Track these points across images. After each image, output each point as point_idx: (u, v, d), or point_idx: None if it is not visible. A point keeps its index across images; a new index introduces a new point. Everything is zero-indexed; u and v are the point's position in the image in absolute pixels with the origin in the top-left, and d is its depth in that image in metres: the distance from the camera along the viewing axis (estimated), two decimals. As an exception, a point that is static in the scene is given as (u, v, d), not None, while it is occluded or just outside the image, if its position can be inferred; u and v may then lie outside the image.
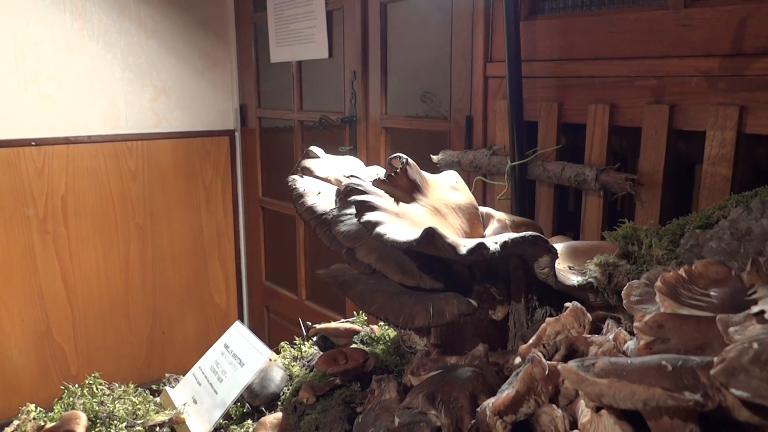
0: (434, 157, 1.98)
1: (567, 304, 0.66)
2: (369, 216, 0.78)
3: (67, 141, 3.03)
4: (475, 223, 1.01)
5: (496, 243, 0.74)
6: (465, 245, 0.74)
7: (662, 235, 0.95)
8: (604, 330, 0.65)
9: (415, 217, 0.86)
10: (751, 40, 1.32)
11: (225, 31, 3.39)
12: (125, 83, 3.15)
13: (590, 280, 0.77)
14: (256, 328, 3.62)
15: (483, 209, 1.07)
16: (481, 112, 1.91)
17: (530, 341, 0.62)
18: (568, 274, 0.80)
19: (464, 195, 1.04)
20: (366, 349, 1.17)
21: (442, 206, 0.96)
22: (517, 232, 1.10)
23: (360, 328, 1.25)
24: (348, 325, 1.24)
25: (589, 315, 0.64)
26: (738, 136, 1.33)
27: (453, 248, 0.73)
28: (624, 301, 0.62)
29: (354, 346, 1.19)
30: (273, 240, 3.43)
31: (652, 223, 0.99)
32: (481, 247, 0.72)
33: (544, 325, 0.62)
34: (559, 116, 1.68)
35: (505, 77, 1.73)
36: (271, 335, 3.54)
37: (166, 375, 1.38)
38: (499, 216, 1.07)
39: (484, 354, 0.71)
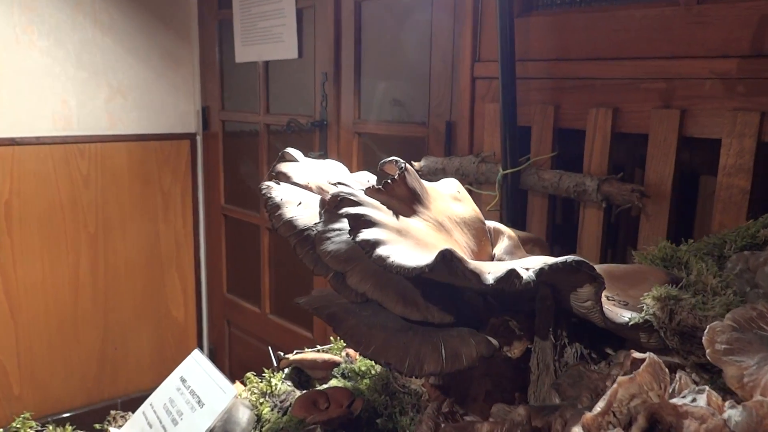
0: (415, 164, 1.83)
1: (637, 355, 0.51)
2: (367, 234, 0.62)
3: (12, 142, 2.79)
4: (483, 241, 0.86)
5: (528, 269, 0.59)
6: (490, 272, 0.58)
7: (700, 257, 0.81)
8: (677, 386, 0.51)
9: (419, 234, 0.70)
10: (772, 39, 1.20)
11: (187, 29, 3.20)
12: (78, 82, 2.93)
13: (648, 317, 0.63)
14: (216, 344, 3.43)
15: (490, 224, 0.92)
16: (467, 116, 1.77)
17: (598, 408, 0.46)
18: (615, 308, 0.65)
19: (468, 207, 0.89)
20: (349, 385, 1.00)
21: (446, 220, 0.81)
22: (523, 249, 0.96)
23: (341, 359, 1.08)
24: (327, 356, 1.07)
25: (667, 371, 0.49)
26: (758, 144, 1.21)
27: (477, 276, 0.57)
28: (708, 351, 0.48)
29: (334, 382, 1.02)
30: (235, 250, 3.25)
31: (692, 243, 0.85)
32: (513, 275, 0.57)
33: (614, 386, 0.47)
34: (555, 121, 1.54)
35: (494, 78, 1.59)
36: (233, 351, 3.35)
37: (112, 413, 1.19)
38: (510, 232, 0.92)
39: (527, 419, 0.55)
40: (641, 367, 0.48)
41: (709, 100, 1.29)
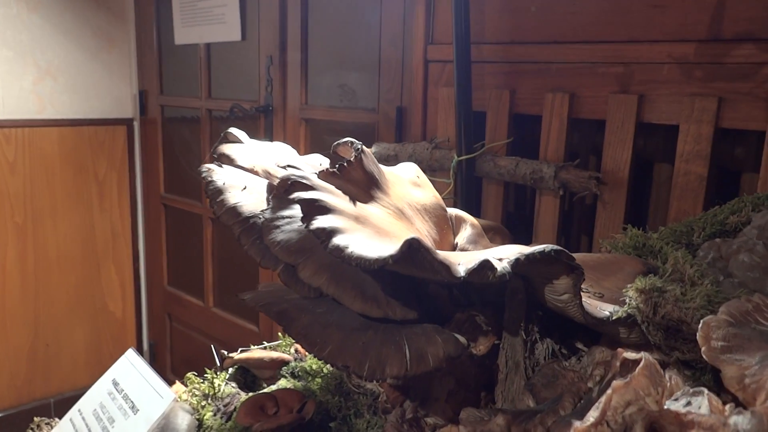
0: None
1: (629, 355, 0.46)
2: (322, 221, 0.55)
3: (-72, 126, 2.59)
4: (445, 229, 0.80)
5: (502, 260, 0.53)
6: (461, 264, 0.52)
7: (671, 245, 0.78)
8: (667, 387, 0.46)
9: (379, 222, 0.63)
10: (730, 24, 1.18)
11: (121, 6, 3.03)
12: (2, 62, 2.74)
13: (631, 311, 0.58)
14: (157, 339, 3.29)
15: (452, 211, 0.86)
16: (420, 101, 1.71)
17: (591, 419, 0.41)
18: (593, 301, 0.60)
19: (429, 193, 0.83)
20: (299, 385, 0.93)
21: (406, 207, 0.74)
22: (486, 238, 0.90)
23: (290, 357, 1.01)
24: (275, 354, 0.99)
25: (663, 374, 0.44)
26: (715, 130, 1.20)
27: (447, 269, 0.51)
28: (703, 348, 0.43)
29: (284, 382, 0.95)
30: (176, 241, 3.11)
31: (663, 230, 0.81)
32: (486, 267, 0.51)
33: (609, 392, 0.41)
34: (510, 106, 1.50)
35: (449, 62, 1.54)
36: (174, 346, 3.22)
37: (35, 419, 1.08)
38: (473, 220, 0.86)
39: (506, 430, 0.49)
40: (636, 369, 0.43)
41: (666, 85, 1.26)
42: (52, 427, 1.07)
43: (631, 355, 0.45)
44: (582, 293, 0.62)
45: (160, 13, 2.92)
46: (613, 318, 0.57)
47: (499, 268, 0.52)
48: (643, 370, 0.42)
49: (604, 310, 0.58)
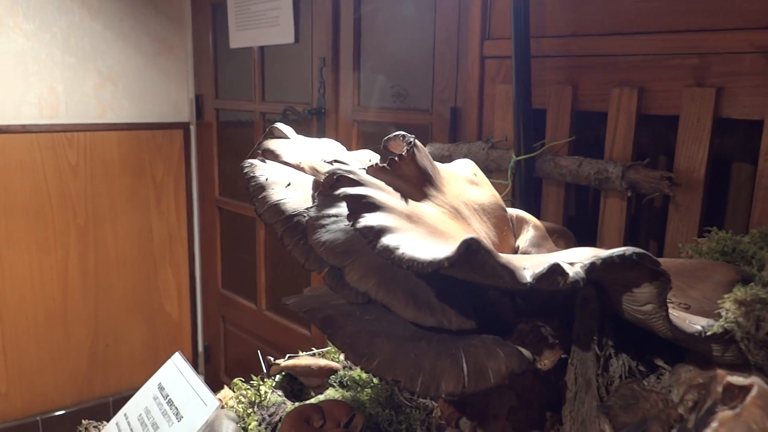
0: (420, 151, 1.70)
1: (734, 380, 0.39)
2: (370, 219, 0.50)
3: (-4, 130, 2.68)
4: (505, 230, 0.73)
5: (574, 264, 0.47)
6: (527, 268, 0.46)
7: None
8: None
9: (433, 221, 0.57)
10: (821, 7, 1.08)
11: (179, 13, 3.07)
12: (65, 68, 2.81)
13: (728, 326, 0.50)
14: (211, 340, 3.32)
15: (512, 212, 0.80)
16: (476, 99, 1.64)
17: (691, 456, 0.34)
18: (680, 313, 0.52)
19: (487, 192, 0.76)
20: (348, 396, 0.87)
21: (462, 206, 0.68)
22: (551, 241, 0.83)
23: (338, 366, 0.96)
24: (323, 362, 0.95)
25: (779, 401, 0.37)
26: (804, 125, 1.09)
27: (510, 273, 0.45)
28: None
29: (331, 392, 0.90)
30: (230, 244, 3.13)
31: (754, 233, 0.72)
32: (556, 272, 0.45)
33: (715, 425, 0.34)
34: (572, 102, 1.41)
35: (506, 57, 1.46)
36: (228, 348, 3.24)
37: (84, 422, 1.07)
38: (535, 222, 0.79)
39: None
40: (747, 398, 0.36)
41: (749, 77, 1.16)
42: (99, 431, 1.05)
43: (737, 380, 0.38)
44: (670, 304, 0.55)
45: (216, 17, 2.94)
46: (707, 333, 0.49)
47: (571, 274, 0.45)
48: (755, 399, 0.35)
49: (695, 323, 0.50)
